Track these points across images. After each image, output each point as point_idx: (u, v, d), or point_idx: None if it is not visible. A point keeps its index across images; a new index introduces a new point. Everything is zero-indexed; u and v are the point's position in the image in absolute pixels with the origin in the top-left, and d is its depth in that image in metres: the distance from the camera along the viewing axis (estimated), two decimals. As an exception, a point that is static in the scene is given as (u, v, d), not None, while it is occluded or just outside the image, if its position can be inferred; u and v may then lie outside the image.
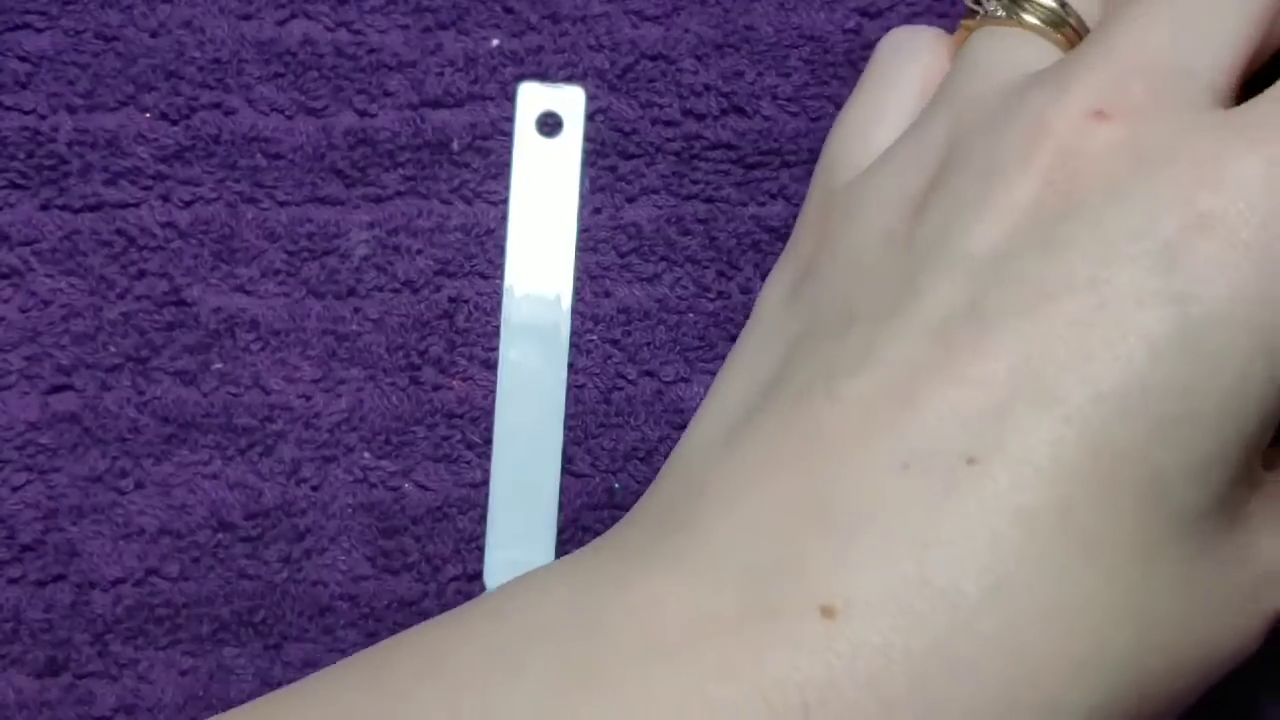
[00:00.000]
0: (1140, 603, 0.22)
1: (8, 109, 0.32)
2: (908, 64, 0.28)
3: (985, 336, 0.22)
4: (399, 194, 0.32)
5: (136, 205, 0.32)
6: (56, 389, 0.32)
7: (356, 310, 0.32)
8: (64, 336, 0.32)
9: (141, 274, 0.32)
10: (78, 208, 0.32)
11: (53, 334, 0.32)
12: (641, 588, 0.22)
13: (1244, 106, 0.24)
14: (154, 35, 0.33)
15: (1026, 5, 0.26)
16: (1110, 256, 0.22)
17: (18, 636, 0.31)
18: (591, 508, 0.31)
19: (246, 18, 0.33)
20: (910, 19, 0.33)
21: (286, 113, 0.32)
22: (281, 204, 0.32)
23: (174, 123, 0.32)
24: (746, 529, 0.23)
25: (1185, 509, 0.22)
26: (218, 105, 0.32)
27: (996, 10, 0.27)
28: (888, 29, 0.30)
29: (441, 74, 0.32)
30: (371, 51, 0.33)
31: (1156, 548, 0.22)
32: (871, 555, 0.22)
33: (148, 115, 0.32)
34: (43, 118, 0.32)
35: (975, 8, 0.27)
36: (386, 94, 0.32)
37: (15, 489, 0.31)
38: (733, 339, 0.32)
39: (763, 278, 0.32)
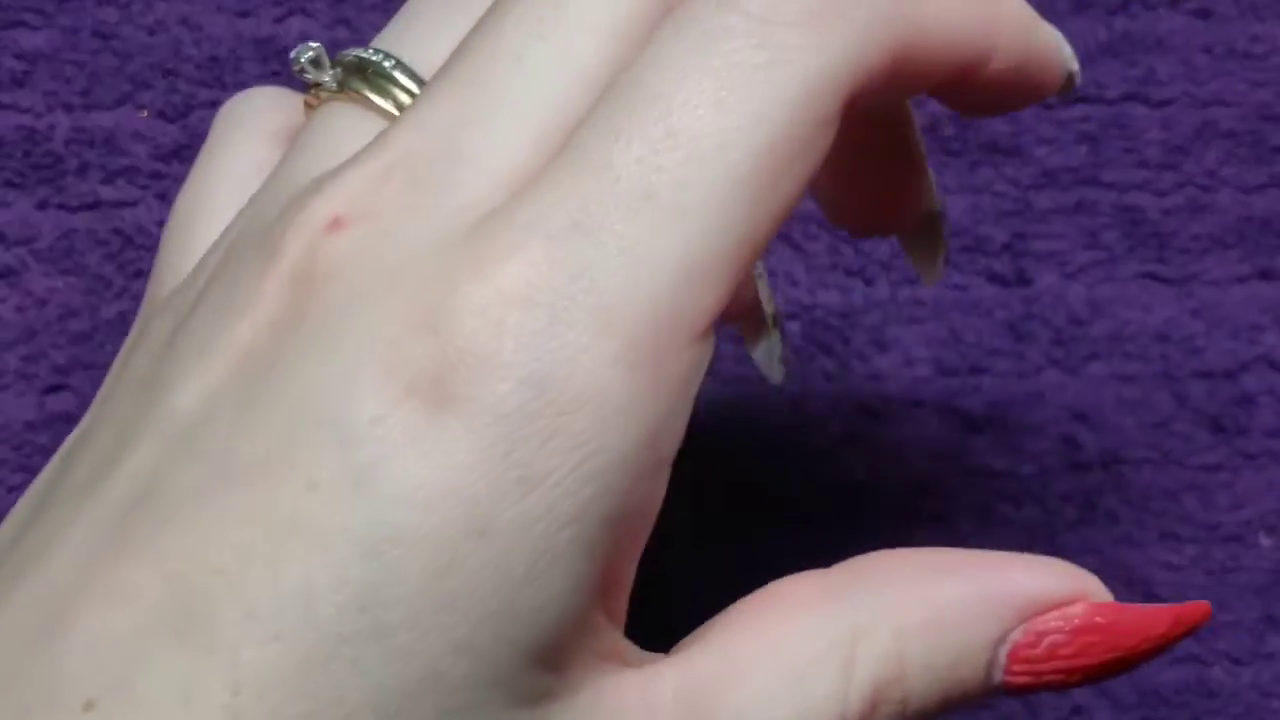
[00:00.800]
0: None
1: (4, 108, 0.32)
2: (243, 140, 0.23)
3: (153, 534, 0.17)
4: (398, 193, 0.32)
5: (133, 204, 0.32)
6: (53, 389, 0.32)
7: (355, 310, 0.32)
8: (60, 336, 0.32)
9: (138, 273, 0.32)
10: (74, 207, 0.32)
11: (49, 334, 0.32)
12: None
13: (513, 199, 0.18)
14: (151, 33, 0.32)
15: (371, 77, 0.20)
16: (297, 424, 0.17)
17: (14, 638, 0.31)
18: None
19: (244, 15, 0.33)
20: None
21: (284, 111, 0.32)
22: (279, 203, 0.32)
23: (171, 121, 0.32)
24: None
25: None
26: (215, 103, 0.32)
27: (329, 82, 0.21)
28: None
29: (440, 72, 0.32)
30: (370, 49, 0.32)
31: None
32: None
33: (145, 113, 0.32)
34: (39, 116, 0.32)
35: (305, 77, 0.21)
36: (385, 92, 0.32)
37: (11, 489, 0.31)
38: (734, 339, 0.31)
39: (764, 277, 0.32)
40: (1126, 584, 0.31)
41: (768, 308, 0.25)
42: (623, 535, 0.18)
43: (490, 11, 0.19)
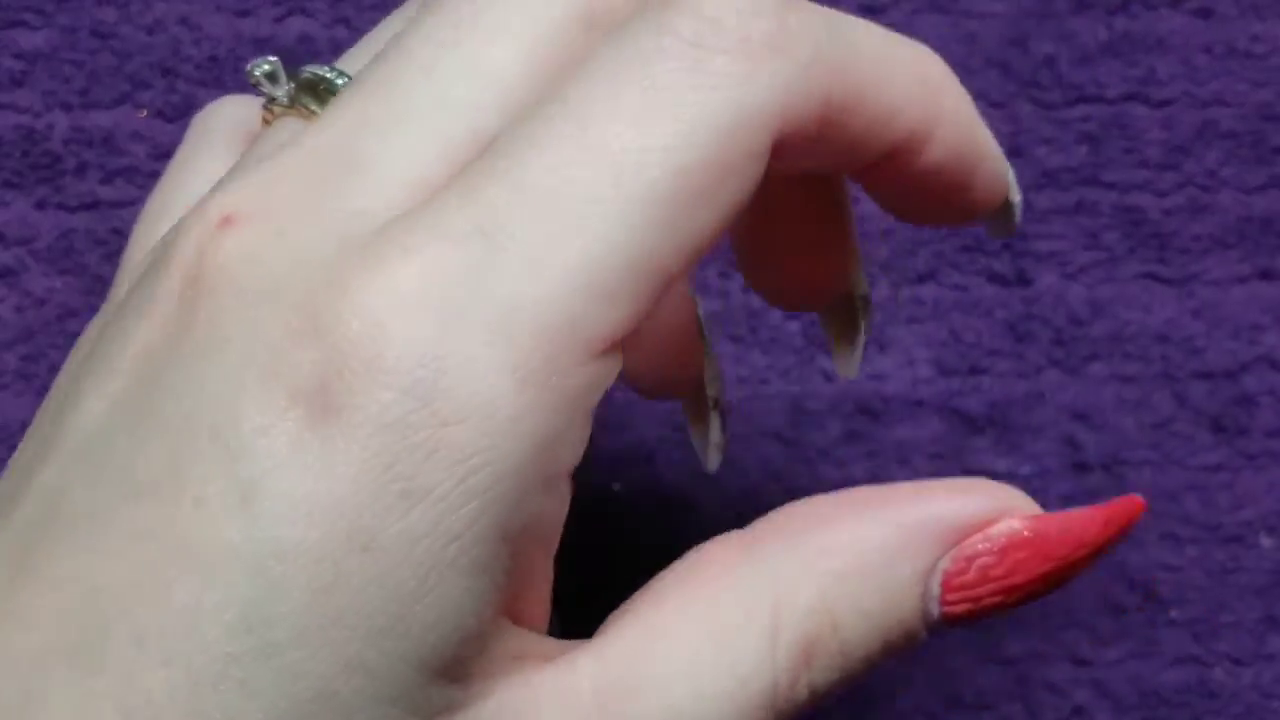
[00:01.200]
0: None
1: (2, 107, 0.32)
2: (211, 150, 0.22)
3: (53, 555, 0.17)
4: (397, 192, 0.32)
5: (132, 204, 0.32)
6: (52, 389, 0.32)
7: (354, 310, 0.32)
8: (59, 336, 0.32)
9: (137, 273, 0.32)
10: (73, 206, 0.32)
11: (48, 334, 0.32)
12: None
13: (418, 206, 0.17)
14: (150, 32, 0.32)
15: (322, 94, 0.20)
16: (187, 437, 0.16)
17: (13, 639, 0.31)
18: (592, 509, 0.31)
19: (243, 14, 0.33)
20: (912, 15, 0.32)
21: (283, 111, 0.32)
22: (278, 203, 0.32)
23: (170, 121, 0.32)
24: None
25: None
26: (214, 103, 0.32)
27: (282, 97, 0.21)
28: (890, 26, 0.30)
29: (440, 71, 0.32)
30: (369, 49, 0.32)
31: None
32: None
33: (143, 113, 0.32)
34: (38, 116, 0.32)
35: (260, 91, 0.21)
36: (384, 92, 0.32)
37: (10, 490, 0.31)
38: (733, 339, 0.31)
39: (764, 277, 0.32)
40: (1127, 585, 0.31)
41: (710, 390, 0.25)
42: (520, 549, 0.17)
43: (411, 19, 0.19)
